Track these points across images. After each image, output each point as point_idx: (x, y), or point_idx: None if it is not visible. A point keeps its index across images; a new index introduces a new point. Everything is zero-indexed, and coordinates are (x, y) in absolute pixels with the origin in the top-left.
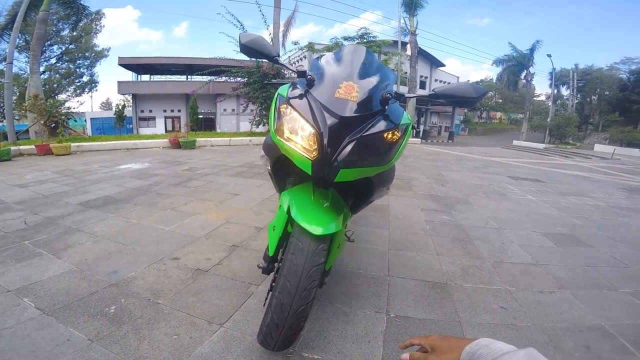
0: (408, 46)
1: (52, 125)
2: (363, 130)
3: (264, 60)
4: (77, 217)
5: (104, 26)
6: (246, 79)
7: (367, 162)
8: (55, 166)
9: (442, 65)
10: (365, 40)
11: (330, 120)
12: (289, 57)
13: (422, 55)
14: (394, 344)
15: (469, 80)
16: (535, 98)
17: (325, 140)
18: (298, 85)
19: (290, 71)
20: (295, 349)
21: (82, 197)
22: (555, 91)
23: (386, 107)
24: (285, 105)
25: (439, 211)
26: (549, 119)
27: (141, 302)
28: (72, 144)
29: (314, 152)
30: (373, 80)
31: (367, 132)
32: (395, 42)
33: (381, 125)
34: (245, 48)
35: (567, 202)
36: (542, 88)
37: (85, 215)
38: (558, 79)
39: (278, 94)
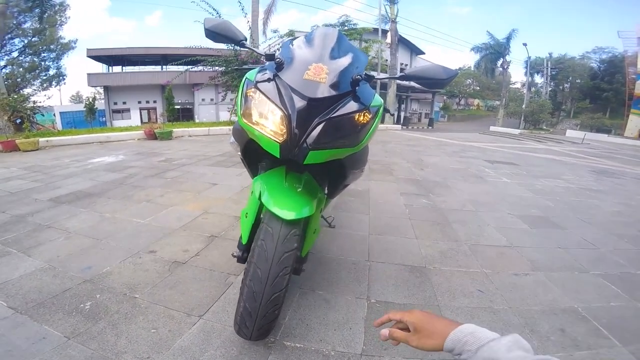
0: (388, 34)
1: (18, 121)
2: (332, 111)
3: (242, 48)
4: (48, 214)
5: (69, 17)
6: (224, 67)
7: (337, 144)
8: (23, 162)
9: (422, 53)
10: (346, 27)
11: (299, 103)
12: (269, 45)
13: (403, 43)
14: (375, 330)
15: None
16: (511, 85)
17: (294, 123)
18: (267, 69)
19: (259, 54)
20: (277, 338)
21: (53, 192)
22: (530, 79)
23: (356, 89)
24: (253, 89)
25: (419, 195)
26: (523, 106)
27: (117, 297)
28: (41, 139)
29: (282, 135)
30: (344, 62)
31: (336, 113)
32: (376, 30)
33: (351, 106)
34: (210, 33)
35: (540, 184)
36: (517, 76)
37: (57, 211)
38: (533, 67)
39: (246, 78)
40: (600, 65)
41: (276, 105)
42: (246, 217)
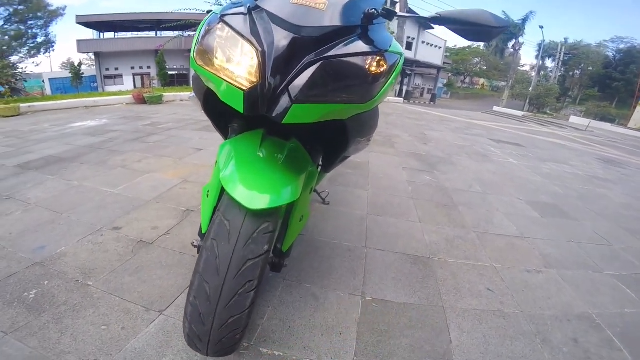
0: (398, 5)
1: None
2: (331, 49)
3: None
4: (11, 182)
5: None
6: None
7: (335, 97)
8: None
9: (431, 27)
10: None
11: (280, 34)
12: None
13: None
14: (369, 336)
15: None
16: (519, 67)
17: (270, 62)
18: (242, 3)
19: None
20: (252, 343)
21: (22, 158)
22: (541, 62)
23: (369, 27)
24: (217, 23)
25: (422, 171)
26: (530, 89)
27: (67, 285)
28: (22, 105)
29: (250, 80)
30: None
31: (337, 52)
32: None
33: (360, 46)
34: None
35: (547, 168)
36: (527, 59)
37: (21, 179)
38: (546, 51)
39: (211, 12)
40: (616, 55)
41: (244, 37)
42: (207, 196)
